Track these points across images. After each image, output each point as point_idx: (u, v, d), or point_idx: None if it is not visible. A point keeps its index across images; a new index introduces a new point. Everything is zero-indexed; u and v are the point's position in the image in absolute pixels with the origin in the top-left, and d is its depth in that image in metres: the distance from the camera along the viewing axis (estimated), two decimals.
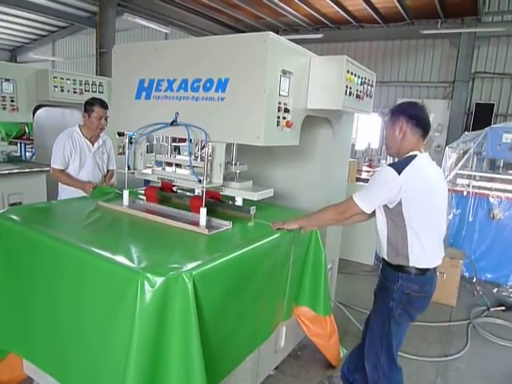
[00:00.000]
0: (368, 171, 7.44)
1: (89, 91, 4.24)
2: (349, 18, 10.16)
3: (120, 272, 1.55)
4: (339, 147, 3.08)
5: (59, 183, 3.19)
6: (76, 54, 16.99)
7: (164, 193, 2.66)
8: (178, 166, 2.51)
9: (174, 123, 2.27)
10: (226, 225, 2.18)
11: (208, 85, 2.15)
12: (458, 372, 2.86)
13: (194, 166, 2.26)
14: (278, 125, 2.13)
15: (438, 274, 2.10)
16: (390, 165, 1.95)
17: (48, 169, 3.40)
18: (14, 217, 2.11)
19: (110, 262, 1.59)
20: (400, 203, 1.89)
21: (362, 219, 2.24)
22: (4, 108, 3.77)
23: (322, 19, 10.40)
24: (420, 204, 1.90)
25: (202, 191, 2.13)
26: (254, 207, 2.40)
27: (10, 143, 9.04)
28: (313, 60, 2.34)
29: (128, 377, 1.42)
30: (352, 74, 2.39)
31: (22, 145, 8.84)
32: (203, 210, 2.12)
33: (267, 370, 2.57)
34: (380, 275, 2.15)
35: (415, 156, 1.95)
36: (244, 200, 2.45)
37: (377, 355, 2.13)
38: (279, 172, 3.15)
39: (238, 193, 2.33)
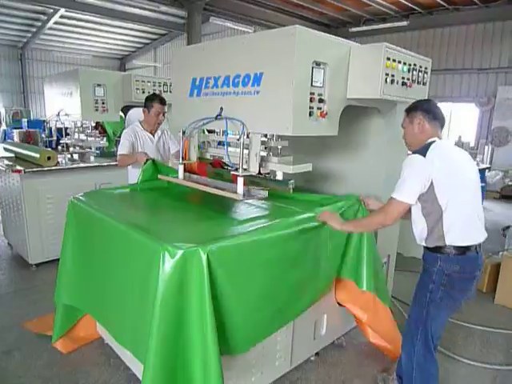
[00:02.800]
0: None
1: (166, 91, 4.68)
2: (440, 1, 9.36)
3: (150, 244, 1.80)
4: (394, 138, 2.97)
5: (129, 170, 3.62)
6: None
7: (215, 168, 2.88)
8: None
9: (218, 117, 2.47)
10: (263, 194, 2.34)
11: (246, 80, 2.30)
12: None
13: (232, 156, 2.43)
14: (310, 115, 2.19)
15: (480, 253, 2.04)
16: (412, 153, 2.04)
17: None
18: (84, 199, 2.54)
19: (144, 236, 1.86)
20: (432, 184, 1.91)
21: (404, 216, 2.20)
22: (96, 109, 4.39)
23: (410, 5, 9.76)
24: (450, 182, 1.93)
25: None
26: (293, 181, 2.56)
27: (116, 142, 10.40)
28: (353, 50, 2.34)
29: (152, 338, 1.65)
30: (394, 61, 2.32)
31: None
32: (240, 180, 2.28)
33: (304, 354, 2.64)
34: (422, 261, 2.15)
35: (434, 141, 2.03)
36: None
37: (412, 342, 2.12)
38: (333, 162, 3.17)
39: (276, 166, 2.42)
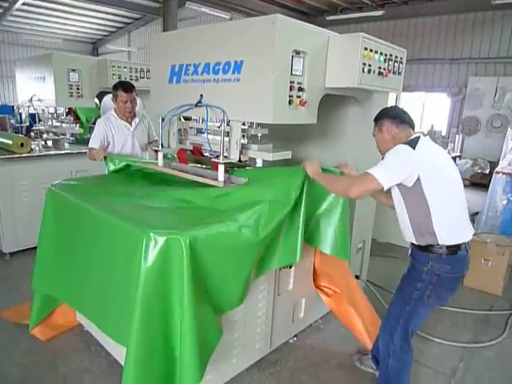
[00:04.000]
0: None
1: (144, 78, 4.61)
2: None
3: (133, 231, 1.81)
4: (371, 127, 3.05)
5: None
6: (148, 44, 18.04)
7: (195, 156, 2.86)
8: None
9: (198, 104, 2.48)
10: (243, 180, 2.36)
11: (226, 67, 2.31)
12: (484, 359, 2.76)
13: (212, 143, 2.45)
14: (290, 103, 2.22)
15: (469, 252, 2.03)
16: (402, 144, 1.97)
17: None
18: (63, 186, 2.51)
19: (127, 223, 1.88)
20: (419, 179, 1.87)
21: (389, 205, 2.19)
22: (71, 95, 4.28)
23: None
24: (438, 178, 1.91)
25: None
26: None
27: (90, 128, 10.15)
28: (331, 39, 2.38)
29: (134, 323, 1.69)
30: (371, 51, 2.37)
31: None
32: (221, 167, 2.31)
33: (283, 337, 2.73)
34: (410, 258, 2.13)
35: (419, 136, 2.00)
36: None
37: (391, 334, 2.14)
38: (312, 150, 3.23)
39: (256, 154, 2.46)
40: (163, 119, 2.69)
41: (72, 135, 4.79)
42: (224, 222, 1.91)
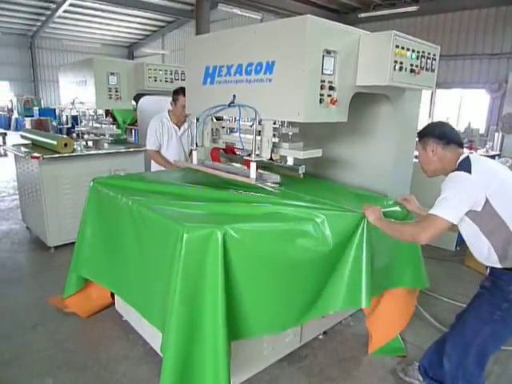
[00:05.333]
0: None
1: (178, 80, 4.76)
2: None
3: (172, 225, 1.92)
4: (403, 125, 3.04)
5: (152, 161, 3.77)
6: (181, 46, 18.48)
7: (228, 154, 3.00)
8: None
9: (231, 104, 2.56)
10: (275, 178, 2.45)
11: (258, 68, 2.38)
12: None
13: (244, 142, 2.53)
14: (321, 102, 2.26)
15: None
16: (454, 170, 1.88)
17: (145, 149, 4.06)
18: (103, 182, 2.71)
19: (167, 218, 2.00)
20: (488, 201, 1.76)
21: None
22: (110, 97, 4.50)
23: None
24: (506, 192, 1.80)
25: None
26: (303, 166, 2.68)
27: (126, 130, 10.53)
28: (362, 37, 2.39)
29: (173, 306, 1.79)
30: (403, 48, 2.37)
31: (135, 131, 10.22)
32: (253, 164, 2.39)
33: (313, 332, 2.77)
34: (490, 276, 1.96)
35: (467, 156, 1.90)
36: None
37: (465, 354, 1.98)
38: (342, 148, 3.25)
39: (287, 152, 2.51)
40: (198, 119, 2.80)
41: (111, 136, 5.02)
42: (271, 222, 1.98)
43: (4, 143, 11.54)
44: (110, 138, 4.98)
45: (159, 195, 2.43)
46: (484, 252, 1.89)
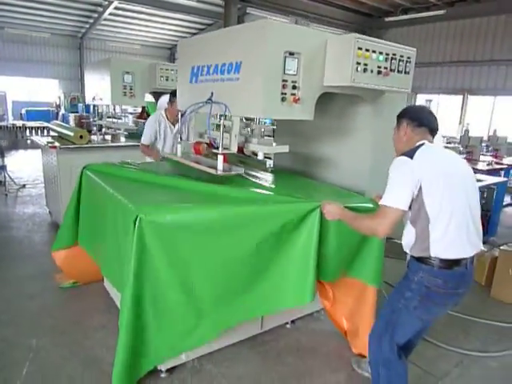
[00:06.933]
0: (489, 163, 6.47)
1: None
2: None
3: (129, 208, 2.14)
4: (382, 125, 3.09)
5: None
6: None
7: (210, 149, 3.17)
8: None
9: (207, 101, 2.76)
10: (239, 170, 2.65)
11: (229, 68, 2.56)
12: (484, 369, 2.67)
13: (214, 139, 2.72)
14: (283, 100, 2.41)
15: (470, 269, 1.87)
16: (399, 156, 1.93)
17: None
18: (94, 169, 3.00)
19: (127, 202, 2.22)
20: (420, 189, 1.79)
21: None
22: (125, 94, 4.85)
23: None
24: (440, 187, 1.79)
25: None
26: (271, 161, 2.85)
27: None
28: (329, 40, 2.51)
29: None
30: (368, 50, 2.46)
31: None
32: (220, 157, 2.59)
33: (276, 320, 2.90)
34: (406, 267, 2.02)
35: (422, 144, 1.94)
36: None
37: (379, 341, 2.04)
38: (327, 148, 3.35)
39: (256, 147, 2.68)
40: (182, 115, 3.02)
41: (126, 130, 5.39)
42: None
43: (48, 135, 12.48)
44: (125, 133, 5.35)
45: (132, 181, 2.69)
46: (407, 236, 1.92)
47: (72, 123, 8.22)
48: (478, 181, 5.01)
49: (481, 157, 6.91)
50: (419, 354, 2.74)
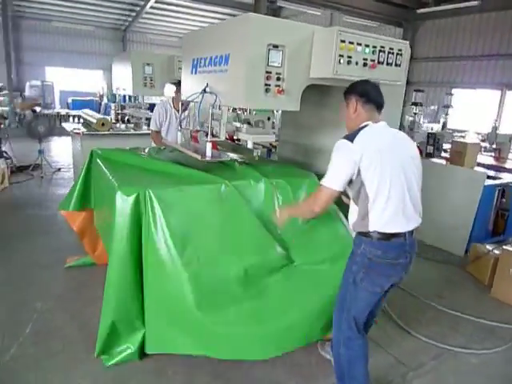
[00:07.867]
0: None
1: None
2: None
3: (114, 186, 2.36)
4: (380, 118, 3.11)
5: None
6: None
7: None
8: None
9: (203, 91, 2.91)
10: (225, 157, 2.82)
11: (220, 60, 2.70)
12: (463, 365, 2.65)
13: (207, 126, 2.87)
14: (267, 91, 2.51)
15: (409, 241, 1.96)
16: (342, 138, 2.00)
17: None
18: (100, 152, 3.24)
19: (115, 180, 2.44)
20: (359, 171, 1.88)
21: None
22: (145, 85, 5.12)
23: None
24: (379, 169, 1.87)
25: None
26: (259, 150, 2.97)
27: None
28: (316, 33, 2.58)
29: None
30: (352, 43, 2.50)
31: None
32: (209, 144, 2.74)
33: None
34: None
35: (366, 125, 2.00)
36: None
37: (338, 321, 2.12)
38: (328, 138, 3.38)
39: (243, 136, 2.81)
40: (182, 104, 3.21)
41: (146, 119, 5.68)
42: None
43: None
44: (145, 121, 5.64)
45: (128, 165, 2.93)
46: (350, 216, 2.05)
47: (112, 112, 8.73)
48: (497, 178, 4.84)
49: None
50: (397, 343, 2.80)
